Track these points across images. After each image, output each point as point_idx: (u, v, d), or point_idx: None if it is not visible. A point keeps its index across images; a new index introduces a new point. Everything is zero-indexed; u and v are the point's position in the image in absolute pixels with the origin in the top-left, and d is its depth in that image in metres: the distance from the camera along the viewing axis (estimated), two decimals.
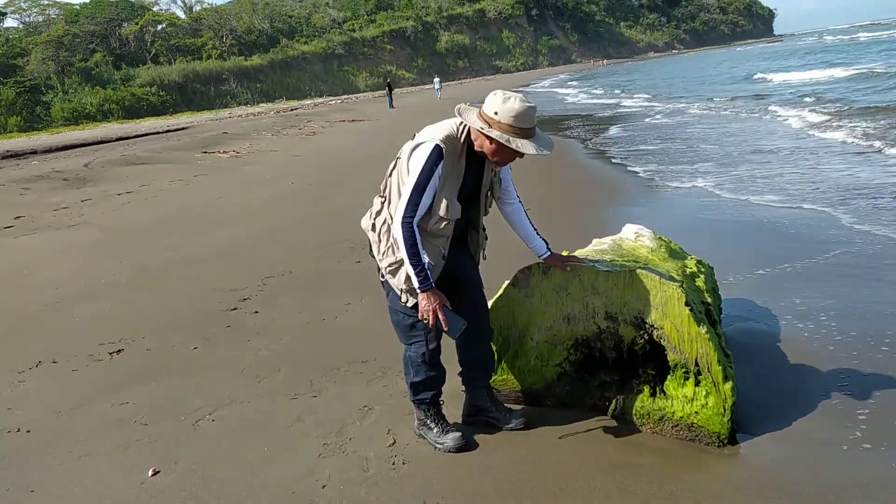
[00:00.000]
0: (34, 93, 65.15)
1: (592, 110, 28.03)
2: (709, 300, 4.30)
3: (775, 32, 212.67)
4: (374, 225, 3.53)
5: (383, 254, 3.48)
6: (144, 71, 76.69)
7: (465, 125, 3.37)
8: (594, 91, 43.24)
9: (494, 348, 4.05)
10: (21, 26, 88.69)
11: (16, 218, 11.25)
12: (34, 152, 26.39)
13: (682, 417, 3.68)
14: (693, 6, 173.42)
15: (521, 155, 3.33)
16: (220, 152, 19.33)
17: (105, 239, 9.54)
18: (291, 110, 42.83)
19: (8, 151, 26.97)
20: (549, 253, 3.90)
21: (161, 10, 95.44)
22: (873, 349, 4.51)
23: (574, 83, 57.79)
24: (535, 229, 3.92)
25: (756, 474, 3.34)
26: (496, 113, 3.24)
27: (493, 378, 4.10)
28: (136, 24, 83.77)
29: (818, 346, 4.64)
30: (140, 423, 4.21)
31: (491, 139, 3.27)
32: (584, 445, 3.66)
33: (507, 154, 3.33)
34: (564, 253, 5.21)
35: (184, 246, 8.72)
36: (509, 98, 3.27)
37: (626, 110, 27.13)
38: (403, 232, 3.25)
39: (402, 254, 3.30)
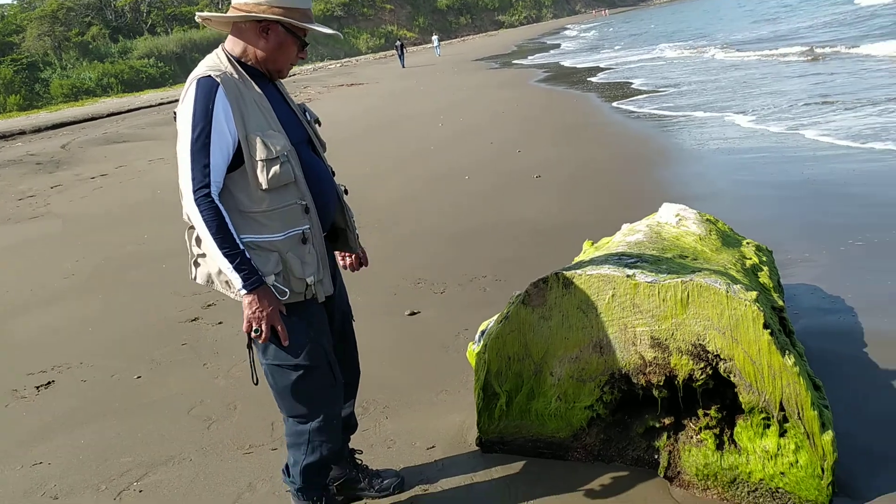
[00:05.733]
0: (32, 70, 63.79)
1: None
2: (780, 303, 3.29)
3: None
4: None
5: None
6: (141, 42, 75.20)
7: (225, 49, 2.42)
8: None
9: (503, 387, 3.06)
10: (15, 2, 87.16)
11: None
12: (22, 132, 25.34)
13: (762, 480, 2.68)
14: None
15: (304, 48, 2.44)
16: None
17: (67, 232, 8.58)
18: (290, 76, 41.42)
19: None
20: None
21: None
22: None
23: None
24: None
25: None
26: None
27: (500, 424, 3.11)
28: None
29: None
30: (50, 497, 3.26)
31: (268, 31, 2.37)
32: None
33: (288, 51, 2.42)
34: (587, 244, 4.20)
35: (152, 237, 7.74)
36: None
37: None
38: (200, 208, 2.24)
39: (204, 240, 2.28)
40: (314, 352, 2.47)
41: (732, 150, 8.85)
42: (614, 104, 14.22)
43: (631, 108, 13.49)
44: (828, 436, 2.55)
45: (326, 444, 2.61)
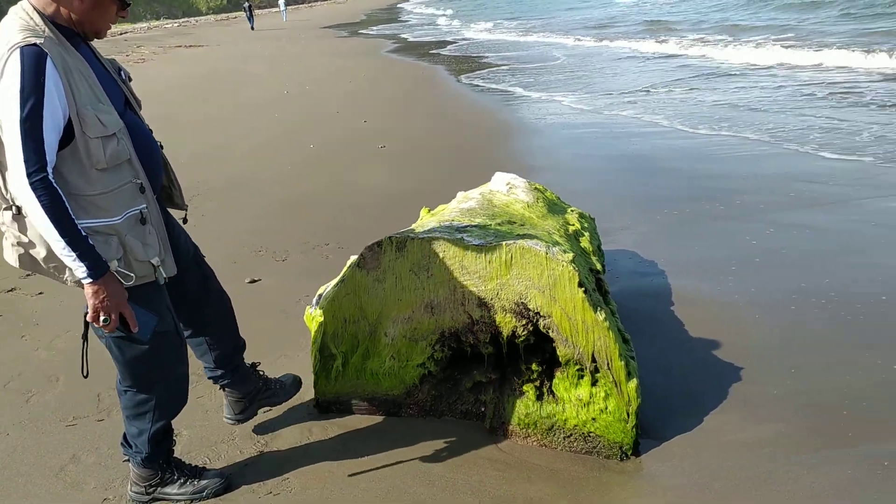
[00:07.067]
0: None
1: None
2: (598, 266, 3.57)
3: None
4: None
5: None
6: None
7: (34, 6, 2.18)
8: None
9: (339, 348, 3.13)
10: None
11: None
12: None
13: (576, 426, 2.94)
14: None
15: (125, 8, 2.30)
16: None
17: None
18: (120, 34, 38.53)
19: None
20: None
21: None
22: (797, 309, 3.95)
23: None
24: None
25: (668, 495, 2.66)
26: None
27: (337, 385, 3.20)
28: None
29: (724, 309, 4.03)
30: None
31: None
32: (455, 473, 2.83)
33: (107, 11, 2.26)
34: (423, 211, 4.33)
35: None
36: None
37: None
38: (37, 194, 2.03)
39: (41, 228, 2.09)
40: (162, 319, 2.42)
41: (567, 125, 9.34)
42: (461, 77, 14.49)
43: (476, 82, 13.81)
44: (632, 383, 2.82)
45: (174, 406, 2.65)
